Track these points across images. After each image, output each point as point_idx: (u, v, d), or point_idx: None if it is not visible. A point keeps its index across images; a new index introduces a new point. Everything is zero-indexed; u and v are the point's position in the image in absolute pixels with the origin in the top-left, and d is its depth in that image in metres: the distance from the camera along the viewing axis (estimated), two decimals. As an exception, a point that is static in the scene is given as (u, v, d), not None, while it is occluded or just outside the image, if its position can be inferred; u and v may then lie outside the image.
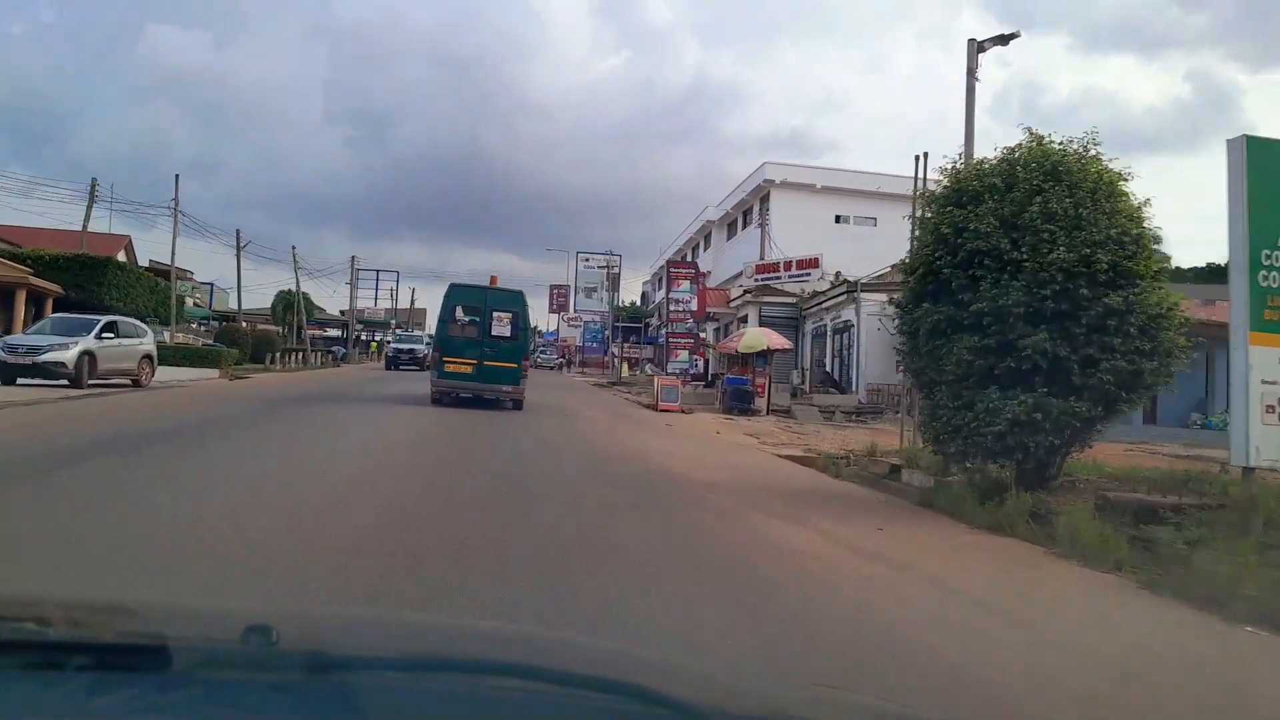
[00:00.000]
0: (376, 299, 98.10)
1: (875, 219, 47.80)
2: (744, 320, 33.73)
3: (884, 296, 28.22)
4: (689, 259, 63.79)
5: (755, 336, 23.44)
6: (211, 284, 76.24)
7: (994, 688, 3.70)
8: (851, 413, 25.14)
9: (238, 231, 52.51)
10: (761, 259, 38.55)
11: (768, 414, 23.61)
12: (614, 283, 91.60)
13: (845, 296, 27.43)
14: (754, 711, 1.22)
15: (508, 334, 17.81)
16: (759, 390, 23.66)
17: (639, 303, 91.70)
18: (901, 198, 47.32)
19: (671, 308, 26.07)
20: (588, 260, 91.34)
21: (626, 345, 69.51)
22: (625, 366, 46.59)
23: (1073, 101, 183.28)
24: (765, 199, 47.35)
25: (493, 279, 20.95)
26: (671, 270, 26.33)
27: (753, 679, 2.09)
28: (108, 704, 0.96)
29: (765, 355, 24.39)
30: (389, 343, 48.19)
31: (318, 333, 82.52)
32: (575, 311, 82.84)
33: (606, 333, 65.56)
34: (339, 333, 77.44)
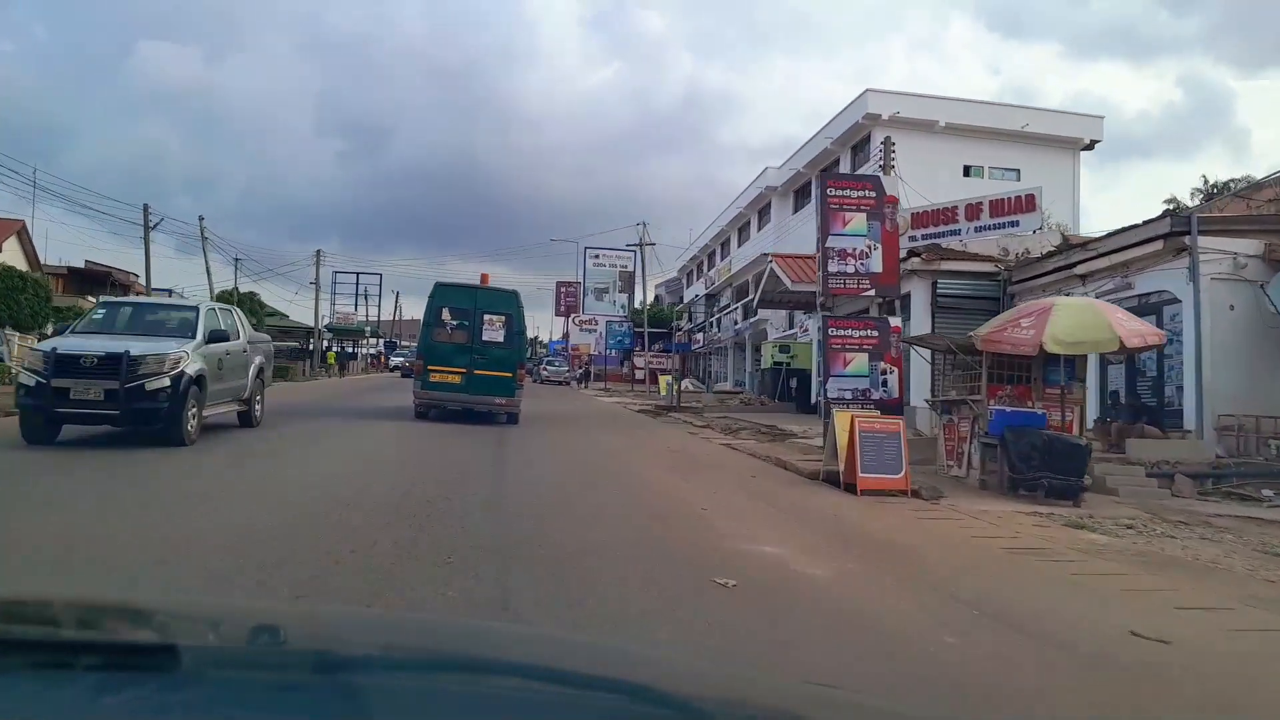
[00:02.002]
0: (356, 305, 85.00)
1: (1018, 170, 34.81)
2: (897, 306, 20.50)
3: (1251, 244, 15.14)
4: (734, 243, 50.44)
5: (1086, 317, 10.14)
6: (169, 291, 63.19)
7: None
8: (1203, 476, 11.96)
9: (145, 207, 39.43)
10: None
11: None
12: (629, 281, 78.78)
13: (1161, 245, 14.18)
14: (758, 711, 1.18)
15: (500, 339, 15.92)
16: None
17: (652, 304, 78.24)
18: (1059, 141, 33.82)
19: (833, 268, 12.69)
20: (597, 257, 78.25)
21: (649, 354, 56.35)
22: (669, 383, 33.12)
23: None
24: (862, 145, 34.28)
25: (483, 277, 18.03)
26: (830, 195, 12.90)
27: (756, 679, 1.85)
28: (115, 704, 0.94)
29: (1071, 363, 11.19)
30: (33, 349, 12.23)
31: (283, 343, 69.33)
32: (588, 314, 69.73)
33: (639, 334, 52.11)
34: (296, 344, 64.19)
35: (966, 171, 33.15)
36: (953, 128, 32.75)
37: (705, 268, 57.58)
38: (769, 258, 21.82)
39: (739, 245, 48.45)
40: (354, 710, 0.96)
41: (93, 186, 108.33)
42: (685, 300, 66.37)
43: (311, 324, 62.67)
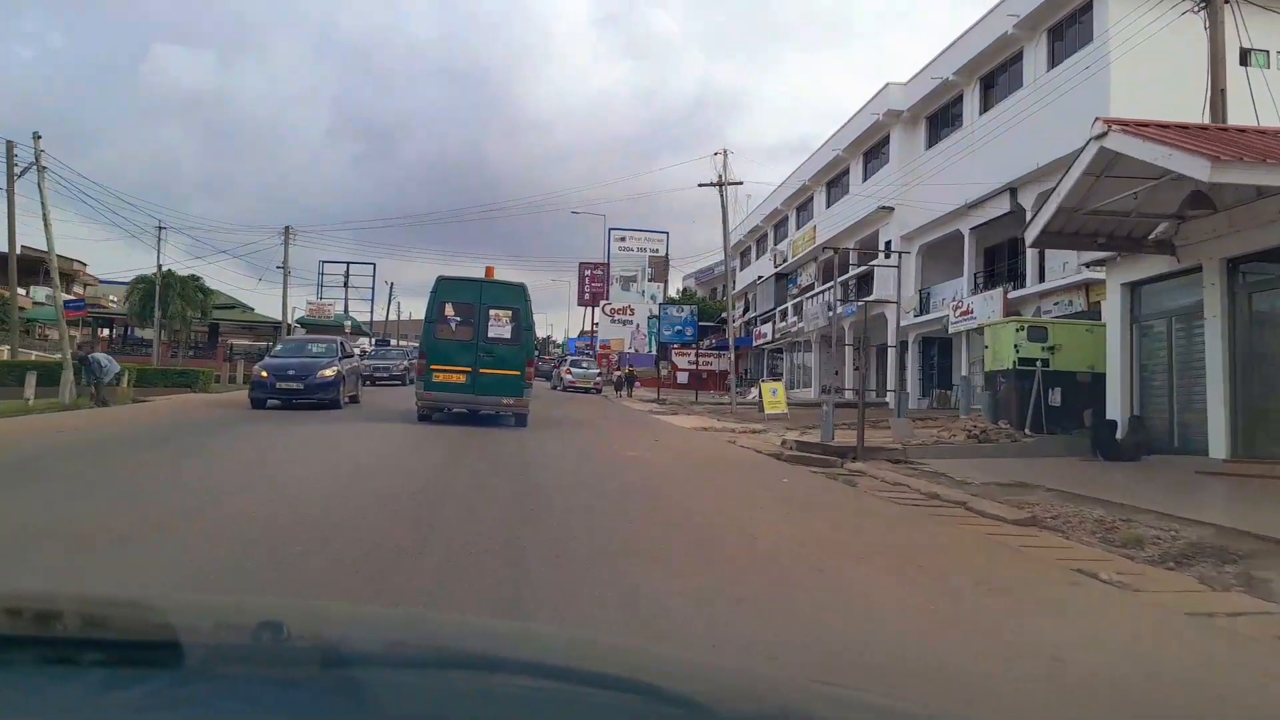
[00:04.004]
0: (347, 302, 72.89)
1: (1324, 55, 23.17)
2: None
3: None
4: (819, 202, 38.05)
5: None
6: (138, 281, 51.29)
7: None
8: None
9: (8, 144, 27.34)
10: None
11: None
12: (661, 269, 66.85)
13: None
14: (768, 710, 1.16)
15: (507, 335, 15.22)
16: None
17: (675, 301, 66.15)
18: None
19: None
20: (624, 240, 66.14)
21: (698, 351, 44.45)
22: (781, 394, 21.04)
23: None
24: (1072, 21, 22.27)
25: (488, 270, 17.17)
26: None
27: (765, 678, 1.87)
28: (121, 699, 0.94)
29: None
30: None
31: (249, 342, 57.57)
32: (619, 302, 57.81)
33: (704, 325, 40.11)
34: (266, 343, 52.44)
35: (1244, 58, 21.10)
36: (1227, -14, 20.67)
37: (771, 240, 45.41)
38: (1104, 126, 9.80)
39: (828, 204, 36.39)
40: (359, 707, 0.95)
41: (110, 189, 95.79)
42: (739, 286, 54.34)
43: (280, 318, 50.82)
